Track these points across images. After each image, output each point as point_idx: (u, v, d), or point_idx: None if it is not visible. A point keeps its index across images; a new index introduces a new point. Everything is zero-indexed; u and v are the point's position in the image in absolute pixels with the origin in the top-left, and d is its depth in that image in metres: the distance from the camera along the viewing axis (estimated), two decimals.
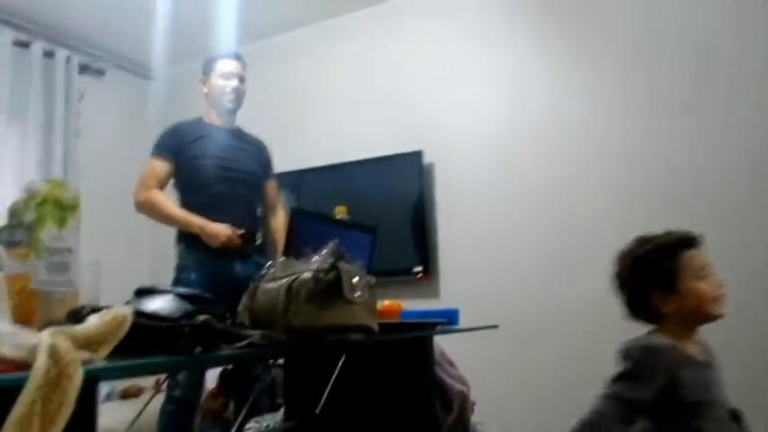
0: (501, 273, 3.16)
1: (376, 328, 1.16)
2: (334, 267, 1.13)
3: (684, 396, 1.15)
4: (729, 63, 2.74)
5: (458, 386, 1.83)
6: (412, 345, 1.65)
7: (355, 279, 1.15)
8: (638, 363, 1.20)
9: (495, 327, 1.88)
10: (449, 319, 1.79)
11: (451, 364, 1.92)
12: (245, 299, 1.18)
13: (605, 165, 2.98)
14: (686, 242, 1.25)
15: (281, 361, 2.20)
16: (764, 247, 2.54)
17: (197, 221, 2.33)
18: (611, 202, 2.93)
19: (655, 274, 1.24)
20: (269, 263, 1.26)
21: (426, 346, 1.67)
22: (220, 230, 2.30)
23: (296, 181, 3.61)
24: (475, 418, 1.86)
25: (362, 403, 1.59)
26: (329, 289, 1.11)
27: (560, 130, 3.11)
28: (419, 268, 3.33)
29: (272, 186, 2.75)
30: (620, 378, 1.19)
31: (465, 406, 1.83)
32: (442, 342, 1.84)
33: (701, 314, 1.22)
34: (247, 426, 1.89)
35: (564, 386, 2.84)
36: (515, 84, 3.28)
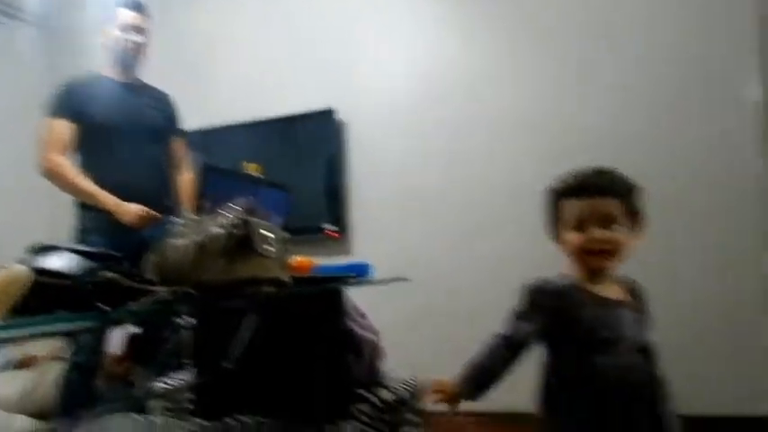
0: (414, 231, 3.25)
1: (288, 280, 1.18)
2: (245, 222, 1.13)
3: (579, 332, 1.17)
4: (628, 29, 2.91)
5: (368, 336, 1.90)
6: (323, 298, 1.68)
7: (267, 233, 1.16)
8: (522, 301, 1.23)
9: (406, 280, 1.95)
10: (360, 273, 1.85)
11: (363, 315, 1.98)
12: (152, 256, 1.16)
13: (517, 125, 3.10)
14: (568, 191, 1.21)
15: (189, 323, 2.18)
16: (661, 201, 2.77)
17: (110, 201, 2.20)
18: (523, 160, 3.06)
19: (546, 216, 1.27)
20: (177, 220, 1.24)
21: (338, 299, 1.71)
22: (134, 211, 2.18)
23: (202, 140, 3.48)
24: (386, 365, 1.94)
25: (274, 356, 1.62)
26: (240, 244, 1.12)
27: (474, 91, 3.19)
28: (332, 227, 3.36)
29: (179, 144, 2.65)
30: (508, 317, 1.24)
31: (375, 354, 1.91)
32: (355, 297, 1.89)
33: (579, 263, 1.21)
34: (154, 385, 1.87)
35: (475, 336, 3.00)
36: (429, 43, 3.31)
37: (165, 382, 1.90)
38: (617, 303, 1.20)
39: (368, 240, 3.36)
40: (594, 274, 1.21)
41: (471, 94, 3.20)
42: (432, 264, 3.16)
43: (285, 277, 1.19)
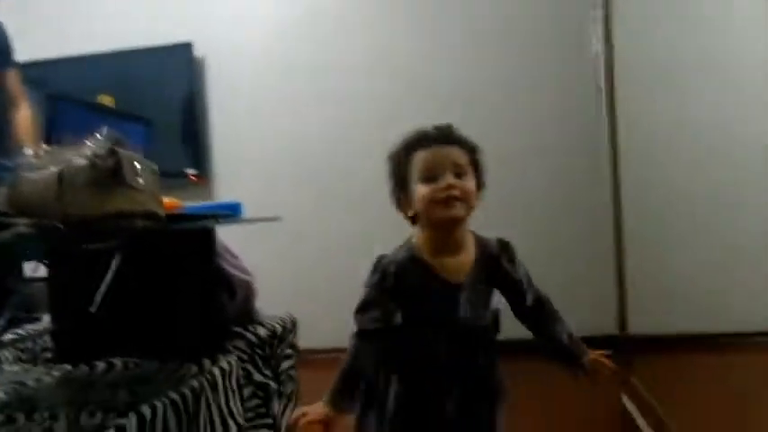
0: (281, 175, 3.22)
1: (163, 214, 1.14)
2: (113, 152, 1.06)
3: (413, 313, 1.12)
4: None
5: (241, 276, 1.89)
6: (194, 237, 1.64)
7: (137, 165, 1.10)
8: (366, 289, 1.15)
9: (278, 219, 1.95)
10: (231, 212, 1.82)
11: (234, 255, 1.96)
12: (4, 189, 1.06)
13: (378, 69, 3.15)
14: (416, 143, 1.14)
15: (38, 273, 2.01)
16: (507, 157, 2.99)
17: None
18: (387, 104, 3.13)
19: (393, 173, 1.17)
20: (25, 153, 1.13)
21: (209, 238, 1.67)
22: None
23: (43, 74, 3.12)
24: (260, 304, 1.95)
25: (145, 296, 1.56)
26: (109, 175, 1.05)
27: (340, 34, 3.18)
28: (193, 171, 3.22)
29: (11, 76, 2.37)
30: (356, 311, 1.15)
31: (249, 294, 1.91)
32: (224, 237, 1.86)
33: (429, 218, 1.11)
34: (4, 338, 1.72)
35: (342, 273, 3.13)
36: None
37: (19, 334, 1.77)
38: (456, 286, 1.11)
39: (232, 185, 3.27)
40: (443, 241, 1.13)
41: (337, 37, 3.19)
42: (300, 207, 3.17)
43: (159, 210, 1.14)
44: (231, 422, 1.40)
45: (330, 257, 3.18)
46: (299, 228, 3.12)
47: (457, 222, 1.11)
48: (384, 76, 3.15)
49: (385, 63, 3.15)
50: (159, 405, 1.16)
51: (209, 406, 1.31)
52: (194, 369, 1.39)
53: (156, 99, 3.19)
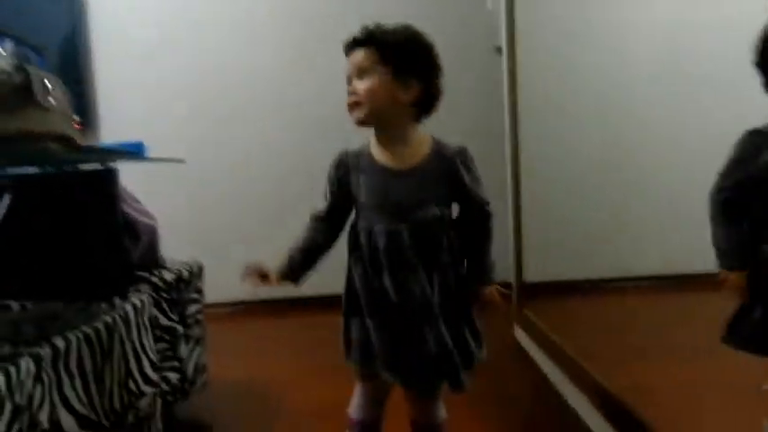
0: (174, 122, 3.10)
1: (78, 138, 1.08)
2: (20, 68, 0.99)
3: (352, 196, 1.21)
4: None
5: (145, 220, 1.83)
6: (94, 178, 1.56)
7: (47, 83, 1.04)
8: (328, 175, 1.26)
9: (182, 161, 1.90)
10: (135, 151, 1.74)
11: (136, 200, 1.89)
12: None
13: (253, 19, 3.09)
14: (345, 49, 1.18)
15: None
16: None
17: None
18: (264, 47, 3.09)
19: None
20: None
21: (111, 178, 1.60)
22: None
23: None
24: (165, 249, 1.90)
25: (40, 240, 1.47)
26: (17, 93, 0.99)
27: None
28: (76, 117, 3.00)
29: None
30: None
31: (153, 238, 1.85)
32: (124, 181, 1.78)
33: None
34: None
35: (249, 212, 3.14)
36: None
37: None
38: (397, 172, 1.16)
39: (119, 133, 3.09)
40: (383, 137, 1.19)
41: None
42: (197, 150, 3.09)
43: (73, 133, 1.08)
44: (145, 359, 1.38)
45: (233, 201, 3.18)
46: (199, 172, 3.06)
47: (362, 125, 1.16)
48: (284, 17, 3.11)
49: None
50: (72, 338, 1.12)
51: (122, 342, 1.28)
52: (105, 306, 1.34)
53: (35, 41, 2.91)
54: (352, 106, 1.15)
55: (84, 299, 1.41)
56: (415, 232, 1.14)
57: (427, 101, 1.18)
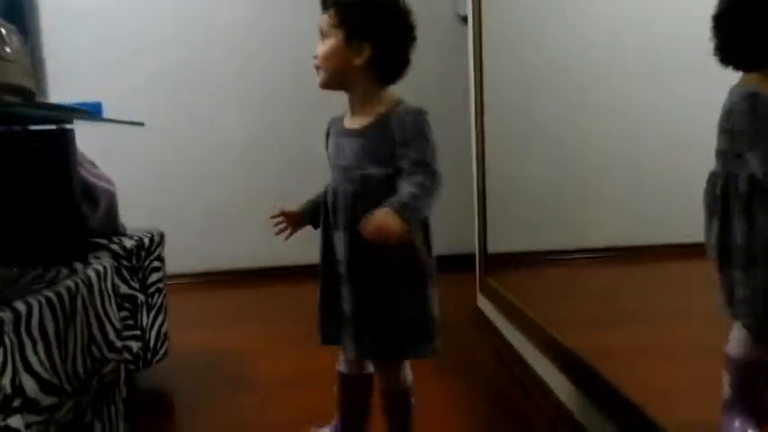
0: (128, 83, 3.00)
1: (35, 90, 1.02)
2: None
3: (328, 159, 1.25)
4: None
5: (103, 185, 1.76)
6: (49, 138, 1.48)
7: (2, 31, 0.97)
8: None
9: (141, 124, 1.82)
10: (93, 111, 1.67)
11: (93, 164, 1.81)
12: None
13: None
14: (321, 5, 1.18)
15: None
16: None
17: None
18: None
19: None
20: None
21: (67, 139, 1.52)
22: None
23: None
24: (124, 214, 1.84)
25: None
26: None
27: None
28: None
29: None
30: None
31: (112, 204, 1.78)
32: (80, 145, 1.70)
33: None
34: None
35: (207, 180, 3.08)
36: None
37: None
38: (349, 132, 1.18)
39: (70, 96, 2.96)
40: (349, 99, 1.21)
41: None
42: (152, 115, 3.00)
43: (32, 85, 1.02)
44: (109, 326, 1.33)
45: (188, 167, 3.11)
46: (156, 136, 2.98)
47: (325, 88, 1.19)
48: None
49: None
50: (34, 302, 1.07)
51: (85, 307, 1.24)
52: (65, 271, 1.29)
53: None
54: (316, 70, 1.18)
55: (40, 264, 1.36)
56: (357, 191, 1.15)
57: (384, 64, 1.15)
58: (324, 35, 1.16)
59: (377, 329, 1.15)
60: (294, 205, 1.30)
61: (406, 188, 1.08)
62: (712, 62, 1.12)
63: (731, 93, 1.07)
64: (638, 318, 1.79)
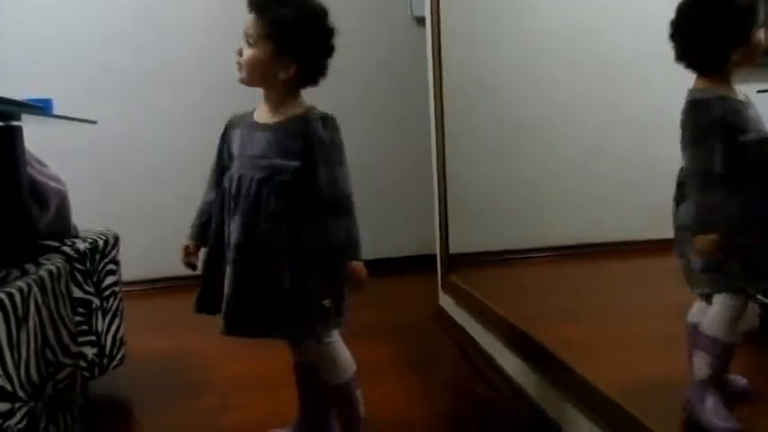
0: (81, 82, 2.90)
1: None
2: None
3: (230, 152, 1.27)
4: None
5: (53, 185, 1.69)
6: None
7: None
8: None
9: (94, 122, 1.76)
10: (43, 108, 1.60)
11: (42, 163, 1.74)
12: None
13: None
14: (248, 3, 1.21)
15: None
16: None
17: None
18: None
19: None
20: None
21: (14, 135, 1.45)
22: None
23: None
24: (75, 216, 1.77)
25: None
26: None
27: None
28: None
29: None
30: None
31: (63, 204, 1.71)
32: (27, 145, 1.63)
33: None
34: None
35: (167, 167, 3.01)
36: None
37: None
38: (261, 126, 1.22)
39: (16, 92, 2.85)
40: (268, 99, 1.24)
41: None
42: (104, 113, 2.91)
43: None
44: (63, 329, 1.28)
45: (141, 167, 3.03)
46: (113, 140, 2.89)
47: (245, 84, 1.23)
48: None
49: None
50: None
51: (39, 310, 1.18)
52: (16, 272, 1.23)
53: None
54: (238, 66, 1.21)
55: None
56: (263, 178, 1.18)
57: (308, 78, 1.22)
58: (250, 39, 1.18)
59: (250, 308, 1.19)
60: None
61: (341, 231, 1.18)
62: (666, 68, 1.19)
63: (687, 93, 1.18)
64: (597, 310, 1.84)
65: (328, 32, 1.20)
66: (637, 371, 1.34)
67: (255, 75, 1.20)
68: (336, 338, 1.28)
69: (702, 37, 1.13)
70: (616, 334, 1.64)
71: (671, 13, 1.17)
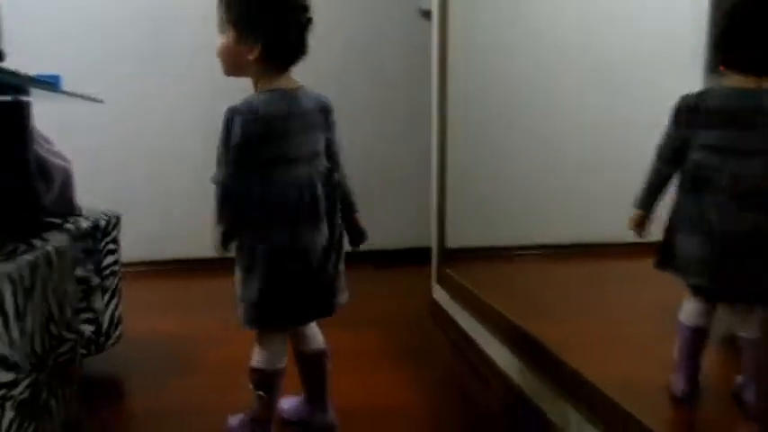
0: (88, 61, 2.90)
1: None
2: None
3: None
4: None
5: (59, 162, 1.70)
6: (2, 110, 1.43)
7: None
8: None
9: (101, 101, 1.77)
10: (50, 83, 1.61)
11: (47, 140, 1.75)
12: None
13: None
14: None
15: None
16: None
17: None
18: None
19: None
20: None
21: (23, 111, 1.46)
22: None
23: None
24: (82, 192, 1.78)
25: None
26: None
27: None
28: None
29: None
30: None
31: (67, 181, 1.72)
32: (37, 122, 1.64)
33: None
34: None
35: (170, 153, 3.02)
36: None
37: None
38: None
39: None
40: (255, 85, 1.26)
41: None
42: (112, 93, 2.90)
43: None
44: (67, 304, 1.30)
45: (158, 139, 3.05)
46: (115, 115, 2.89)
47: (227, 75, 1.26)
48: None
49: None
50: None
51: (44, 284, 1.20)
52: (24, 247, 1.24)
53: None
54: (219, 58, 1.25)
55: None
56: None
57: (277, 54, 1.21)
58: (220, 27, 1.22)
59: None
60: None
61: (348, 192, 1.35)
62: (666, 68, 1.21)
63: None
64: (591, 308, 1.87)
65: (289, 7, 1.19)
66: (628, 366, 1.37)
67: (229, 63, 1.23)
68: None
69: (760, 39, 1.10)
70: (608, 331, 1.67)
71: (671, 14, 1.18)
